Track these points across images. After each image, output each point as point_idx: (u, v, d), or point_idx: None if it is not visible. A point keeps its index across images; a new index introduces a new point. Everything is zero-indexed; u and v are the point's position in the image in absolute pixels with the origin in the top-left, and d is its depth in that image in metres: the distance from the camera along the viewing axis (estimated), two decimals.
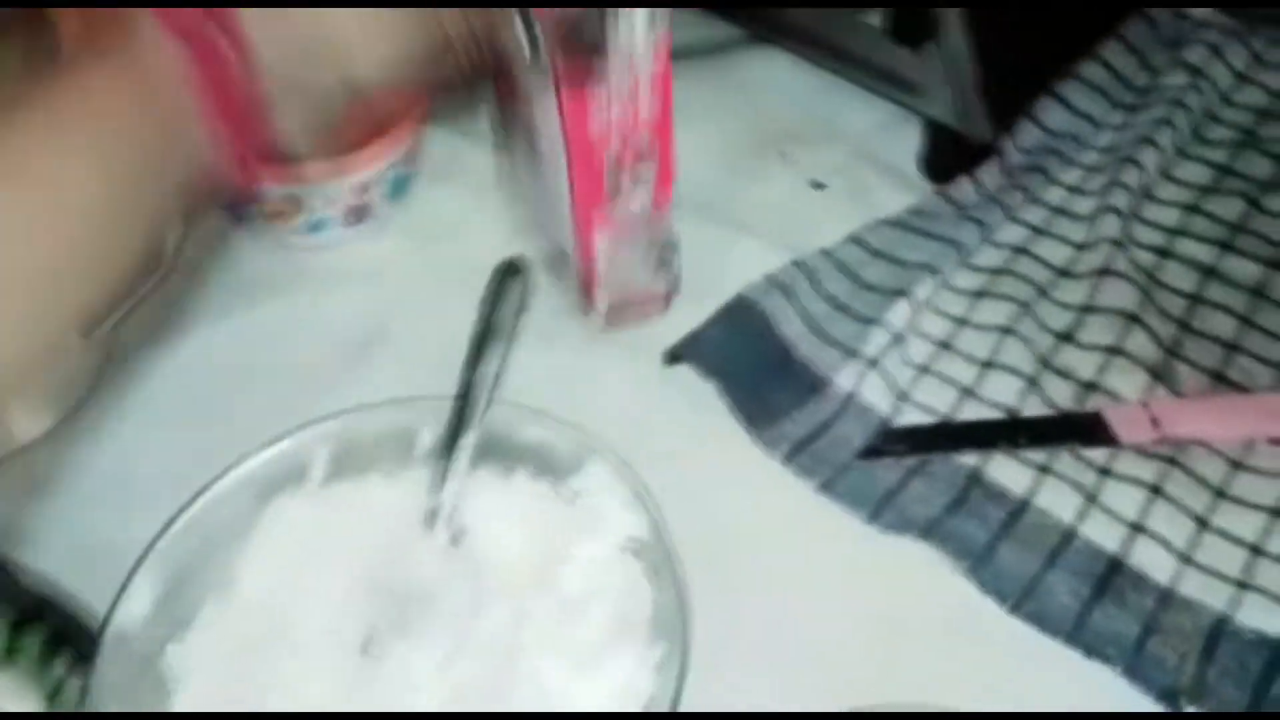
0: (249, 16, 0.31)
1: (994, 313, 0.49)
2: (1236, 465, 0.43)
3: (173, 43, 0.30)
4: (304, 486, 0.38)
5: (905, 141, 0.56)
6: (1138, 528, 0.41)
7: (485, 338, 0.41)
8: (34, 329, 0.29)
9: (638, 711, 0.34)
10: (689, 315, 0.49)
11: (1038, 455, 0.44)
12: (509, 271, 0.44)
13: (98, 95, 0.30)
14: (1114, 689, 0.38)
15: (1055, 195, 0.53)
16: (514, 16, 0.35)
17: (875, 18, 0.53)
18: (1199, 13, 0.59)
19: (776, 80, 0.60)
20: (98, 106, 0.30)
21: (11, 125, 0.30)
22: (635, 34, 0.37)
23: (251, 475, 0.38)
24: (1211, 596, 0.39)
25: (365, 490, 0.38)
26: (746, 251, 0.52)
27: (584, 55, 0.37)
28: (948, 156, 0.54)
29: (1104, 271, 0.49)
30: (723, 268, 0.51)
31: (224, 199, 0.36)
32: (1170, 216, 0.52)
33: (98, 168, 0.30)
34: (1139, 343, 0.47)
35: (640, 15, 0.37)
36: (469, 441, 0.37)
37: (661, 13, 0.38)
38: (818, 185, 0.56)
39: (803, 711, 0.37)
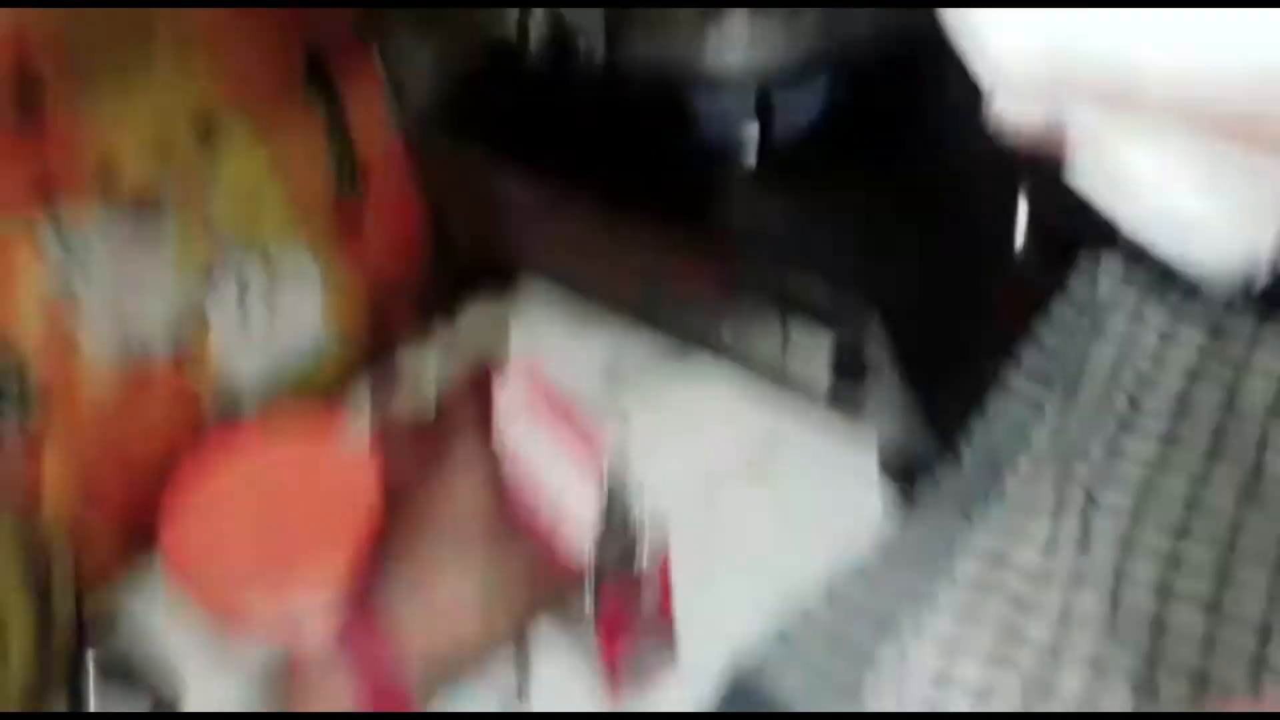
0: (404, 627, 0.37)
1: (980, 634, 0.51)
2: None
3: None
4: None
5: (866, 445, 0.59)
6: None
7: None
8: None
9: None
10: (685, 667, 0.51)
11: None
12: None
13: None
14: None
15: (1011, 488, 0.56)
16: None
17: (821, 353, 0.56)
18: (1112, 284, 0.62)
19: (729, 392, 0.63)
20: None
21: None
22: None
23: None
24: None
25: None
26: (729, 585, 0.54)
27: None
28: (907, 461, 0.57)
29: (1074, 577, 0.52)
30: (711, 607, 0.53)
31: None
32: (1125, 502, 0.54)
33: None
34: (1117, 654, 0.49)
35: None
36: None
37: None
38: (782, 501, 0.59)
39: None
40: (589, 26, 0.48)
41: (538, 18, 0.50)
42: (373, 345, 0.66)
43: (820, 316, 0.53)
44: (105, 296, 0.52)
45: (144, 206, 0.52)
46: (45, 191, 0.48)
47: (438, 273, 0.69)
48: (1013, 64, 0.29)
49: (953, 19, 0.30)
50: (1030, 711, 0.42)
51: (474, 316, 0.68)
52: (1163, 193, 0.29)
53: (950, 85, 0.34)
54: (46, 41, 0.47)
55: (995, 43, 0.29)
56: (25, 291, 0.49)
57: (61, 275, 0.50)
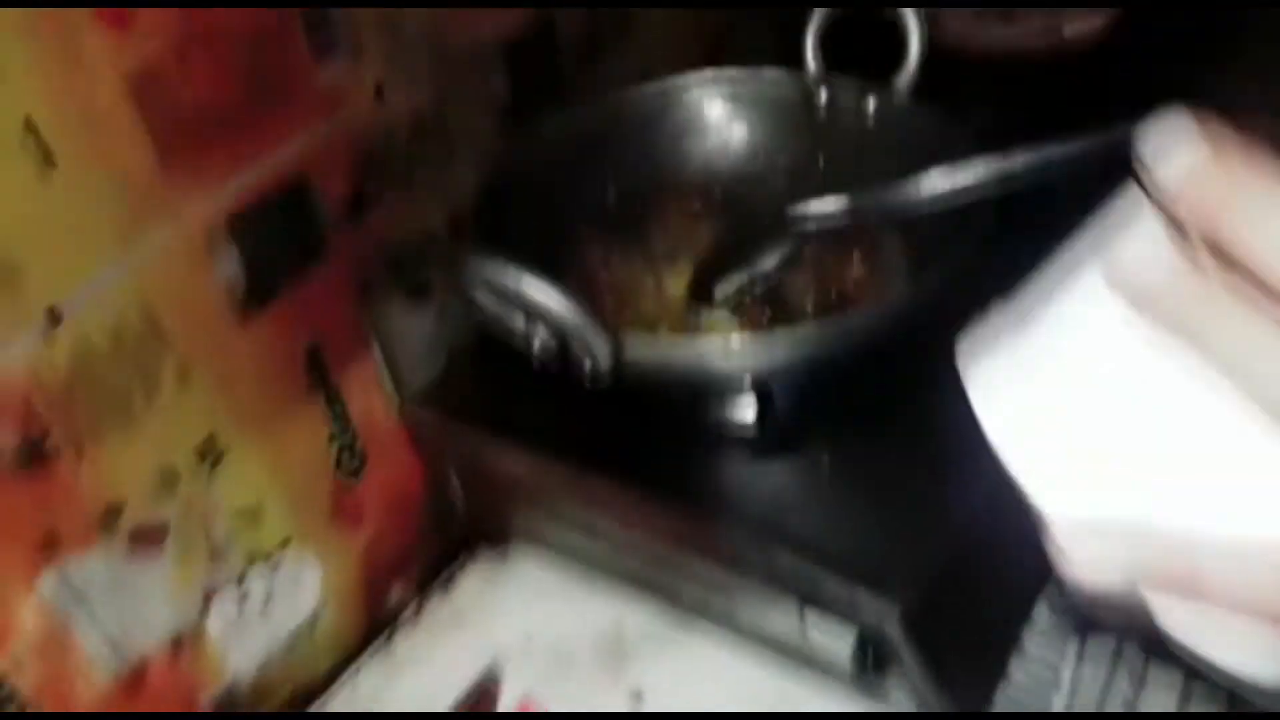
0: None
1: None
2: None
3: None
4: None
5: None
6: None
7: None
8: None
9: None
10: None
11: None
12: None
13: None
14: None
15: None
16: None
17: (845, 644, 0.55)
18: None
19: (739, 668, 0.61)
20: None
21: None
22: None
23: None
24: None
25: None
26: None
27: None
28: None
29: None
30: None
31: None
32: None
33: None
34: None
35: None
36: None
37: None
38: None
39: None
40: (597, 346, 0.49)
41: (544, 333, 0.50)
42: (370, 618, 0.65)
43: (841, 611, 0.53)
44: (103, 622, 0.50)
45: (146, 541, 0.51)
46: (47, 536, 0.47)
47: (435, 541, 0.68)
48: (1083, 548, 0.30)
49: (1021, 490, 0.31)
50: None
51: (471, 587, 0.67)
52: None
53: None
54: (53, 391, 0.46)
55: (1063, 525, 0.30)
56: (20, 627, 0.48)
57: (59, 607, 0.48)
